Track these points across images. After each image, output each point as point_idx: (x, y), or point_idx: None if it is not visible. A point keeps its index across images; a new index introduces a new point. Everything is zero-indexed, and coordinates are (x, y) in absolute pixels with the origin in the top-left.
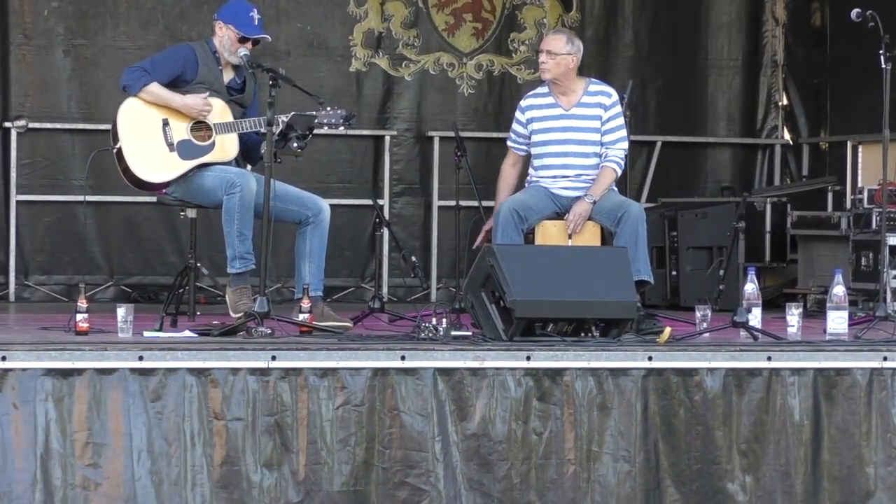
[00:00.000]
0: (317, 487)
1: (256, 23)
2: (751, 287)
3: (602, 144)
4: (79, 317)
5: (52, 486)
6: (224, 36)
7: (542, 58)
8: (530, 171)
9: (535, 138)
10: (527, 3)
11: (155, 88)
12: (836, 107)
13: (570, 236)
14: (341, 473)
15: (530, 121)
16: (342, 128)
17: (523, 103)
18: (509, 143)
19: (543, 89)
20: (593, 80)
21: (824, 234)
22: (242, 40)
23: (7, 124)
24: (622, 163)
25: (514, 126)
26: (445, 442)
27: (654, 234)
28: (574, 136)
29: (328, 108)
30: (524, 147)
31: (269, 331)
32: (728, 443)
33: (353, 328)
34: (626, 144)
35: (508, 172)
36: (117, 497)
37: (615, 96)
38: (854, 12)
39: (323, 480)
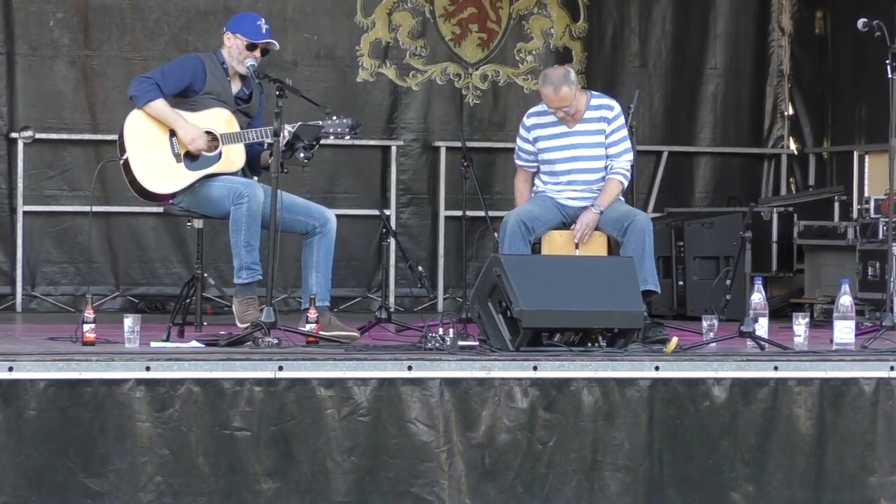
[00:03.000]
0: (321, 497)
1: (264, 31)
2: (757, 297)
3: (607, 157)
4: (85, 327)
5: (55, 495)
6: (233, 46)
7: (560, 114)
8: (537, 181)
9: (541, 156)
10: (534, 14)
11: (159, 105)
12: (837, 116)
13: (577, 246)
14: (346, 483)
15: (537, 139)
16: (348, 137)
17: (527, 122)
18: (519, 162)
19: (545, 106)
20: (594, 93)
21: (831, 244)
22: (251, 48)
23: (14, 135)
24: (628, 174)
25: (521, 144)
26: (451, 452)
27: (661, 244)
28: (579, 153)
29: (334, 118)
30: (534, 163)
31: (275, 341)
32: (732, 452)
33: (360, 338)
34: (630, 156)
35: (523, 189)
36: None
37: (617, 108)
38: (860, 22)
39: (327, 490)
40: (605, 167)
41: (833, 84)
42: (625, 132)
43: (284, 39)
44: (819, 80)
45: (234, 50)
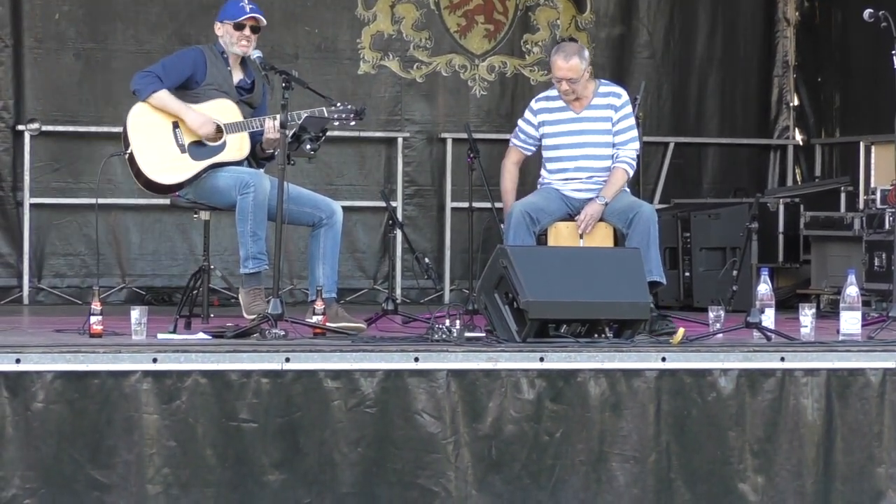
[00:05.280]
0: (327, 488)
1: (248, 9)
2: (764, 288)
3: (614, 145)
4: (92, 319)
5: (62, 487)
6: (224, 34)
7: (565, 86)
8: (542, 172)
9: (547, 142)
10: (540, 5)
11: (163, 96)
12: (842, 107)
13: (581, 236)
14: (352, 474)
15: (542, 124)
16: (353, 122)
17: (535, 105)
18: (515, 142)
19: (554, 92)
20: (603, 81)
21: (837, 235)
22: (238, 27)
23: (20, 127)
24: (633, 163)
25: (523, 126)
26: (457, 443)
27: (667, 235)
28: (586, 139)
29: (337, 104)
30: (531, 147)
31: (282, 332)
32: (740, 443)
33: (367, 330)
34: (637, 145)
35: (512, 170)
36: (129, 499)
37: (625, 96)
38: (867, 12)
39: (333, 481)
40: (612, 156)
41: (837, 74)
42: (632, 120)
43: (285, 33)
44: (823, 71)
45: (227, 37)
